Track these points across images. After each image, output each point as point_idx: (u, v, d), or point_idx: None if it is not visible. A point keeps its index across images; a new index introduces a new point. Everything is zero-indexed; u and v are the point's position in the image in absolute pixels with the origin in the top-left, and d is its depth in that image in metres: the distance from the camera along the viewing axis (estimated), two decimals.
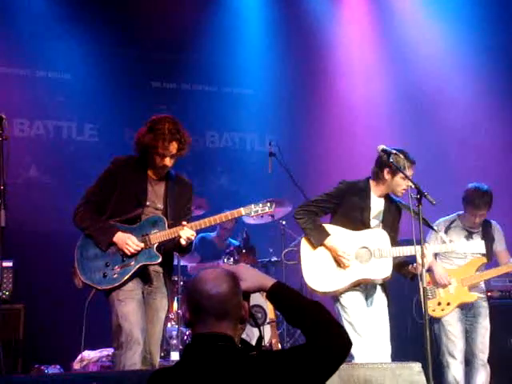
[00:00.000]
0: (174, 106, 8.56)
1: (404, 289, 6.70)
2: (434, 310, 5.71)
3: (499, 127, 8.44)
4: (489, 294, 6.42)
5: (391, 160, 4.77)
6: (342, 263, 4.90)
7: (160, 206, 4.57)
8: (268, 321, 6.48)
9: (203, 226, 4.52)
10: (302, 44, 9.12)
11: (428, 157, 8.05)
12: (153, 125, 4.45)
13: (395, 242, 5.05)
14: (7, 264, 5.77)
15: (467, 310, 5.82)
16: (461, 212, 5.87)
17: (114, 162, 4.61)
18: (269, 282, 2.53)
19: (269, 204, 4.57)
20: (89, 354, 6.22)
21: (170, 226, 4.48)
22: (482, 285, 5.93)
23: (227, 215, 4.55)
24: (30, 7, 7.91)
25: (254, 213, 4.56)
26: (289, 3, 8.95)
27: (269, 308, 6.50)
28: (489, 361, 5.82)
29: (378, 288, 5.06)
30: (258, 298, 6.16)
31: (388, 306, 5.10)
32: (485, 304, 5.86)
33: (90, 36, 8.14)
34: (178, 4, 8.53)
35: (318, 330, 2.38)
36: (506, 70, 8.58)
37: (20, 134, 8.10)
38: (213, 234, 7.96)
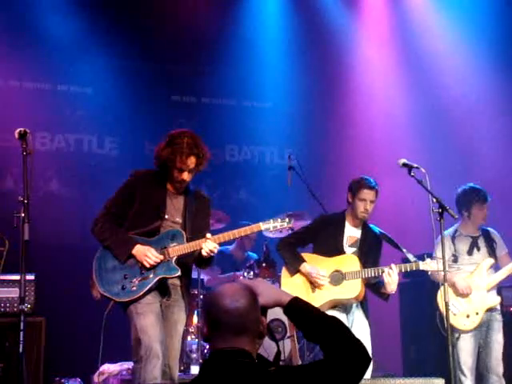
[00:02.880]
0: (194, 119, 8.60)
1: (423, 304, 6.68)
2: (465, 324, 5.64)
3: None
4: (511, 309, 6.36)
5: (412, 174, 4.84)
6: (317, 283, 5.23)
7: (178, 219, 4.58)
8: (288, 335, 6.46)
9: (227, 239, 4.54)
10: (322, 57, 9.14)
11: (447, 170, 8.03)
12: (171, 139, 4.46)
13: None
14: (29, 277, 5.77)
15: (482, 324, 5.73)
16: (458, 223, 5.90)
17: (134, 174, 4.63)
18: (286, 297, 2.52)
19: (287, 219, 4.60)
20: (109, 368, 6.22)
21: (188, 240, 4.48)
22: (497, 296, 5.84)
23: (246, 230, 4.58)
24: (51, 22, 7.97)
25: (273, 228, 4.58)
26: (309, 17, 8.97)
27: (289, 322, 6.47)
28: (508, 376, 5.76)
29: (358, 310, 5.31)
30: (278, 312, 6.13)
31: (370, 326, 5.33)
32: (498, 317, 5.80)
33: (110, 50, 8.20)
34: (198, 18, 8.59)
35: (337, 346, 2.37)
36: None
37: (41, 148, 8.15)
38: (231, 248, 7.95)
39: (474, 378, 5.67)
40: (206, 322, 2.45)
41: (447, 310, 4.43)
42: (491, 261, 5.78)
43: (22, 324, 4.12)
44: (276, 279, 7.09)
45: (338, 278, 5.23)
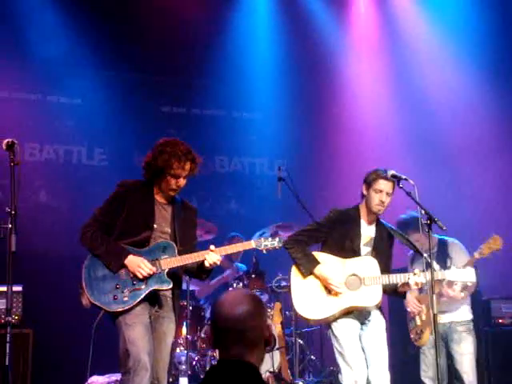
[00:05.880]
0: (184, 130, 8.58)
1: (402, 316, 6.69)
2: (415, 340, 5.75)
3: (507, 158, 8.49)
4: (500, 320, 6.36)
5: (401, 185, 4.79)
6: (333, 291, 4.90)
7: (167, 229, 4.57)
8: (277, 347, 6.45)
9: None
10: (311, 69, 9.17)
11: (437, 182, 8.07)
12: (164, 147, 4.46)
13: (388, 269, 5.07)
14: (17, 288, 5.77)
15: (444, 336, 5.73)
16: None
17: (122, 184, 4.62)
18: None
19: (278, 239, 4.68)
20: (97, 379, 6.17)
21: (179, 253, 4.49)
22: (464, 310, 5.77)
23: (238, 246, 4.70)
24: (42, 33, 7.97)
25: (264, 247, 4.66)
26: (298, 29, 9.00)
27: (278, 334, 6.46)
28: None
29: (374, 313, 5.01)
30: None
31: (386, 330, 5.08)
32: (460, 328, 5.69)
33: (100, 61, 8.21)
34: (189, 29, 8.60)
35: None
36: None
37: (30, 158, 8.14)
38: None
39: None
40: (210, 329, 2.49)
41: (435, 321, 4.41)
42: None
43: (8, 336, 4.09)
44: (265, 290, 7.10)
45: (355, 282, 4.89)
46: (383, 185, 4.95)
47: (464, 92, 8.61)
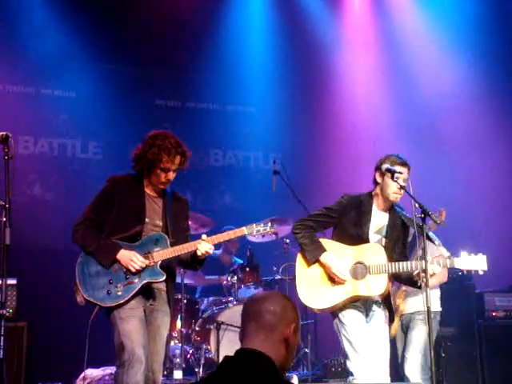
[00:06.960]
0: (178, 123, 8.59)
1: None
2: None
3: (501, 148, 8.50)
4: (493, 313, 6.39)
5: (395, 179, 4.75)
6: (336, 280, 4.79)
7: (159, 222, 4.58)
8: None
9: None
10: (306, 62, 9.18)
11: (432, 172, 8.08)
12: (154, 140, 4.46)
13: (403, 257, 4.88)
14: (11, 282, 5.76)
15: (406, 325, 5.76)
16: None
17: (111, 180, 4.63)
18: None
19: (270, 223, 4.60)
20: (92, 373, 6.20)
21: (172, 244, 4.49)
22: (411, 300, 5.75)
23: (230, 234, 4.61)
24: (35, 26, 7.96)
25: (256, 232, 4.60)
26: (293, 22, 9.01)
27: None
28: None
29: (379, 304, 4.92)
30: None
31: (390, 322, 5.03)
32: (418, 317, 5.64)
33: (94, 54, 8.21)
34: (183, 23, 8.59)
35: None
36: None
37: (24, 152, 8.13)
38: (218, 252, 7.93)
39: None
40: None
41: (429, 314, 4.42)
42: None
43: (2, 329, 4.09)
44: (259, 284, 7.11)
45: (360, 271, 4.76)
46: (401, 172, 4.77)
47: (459, 82, 8.65)
